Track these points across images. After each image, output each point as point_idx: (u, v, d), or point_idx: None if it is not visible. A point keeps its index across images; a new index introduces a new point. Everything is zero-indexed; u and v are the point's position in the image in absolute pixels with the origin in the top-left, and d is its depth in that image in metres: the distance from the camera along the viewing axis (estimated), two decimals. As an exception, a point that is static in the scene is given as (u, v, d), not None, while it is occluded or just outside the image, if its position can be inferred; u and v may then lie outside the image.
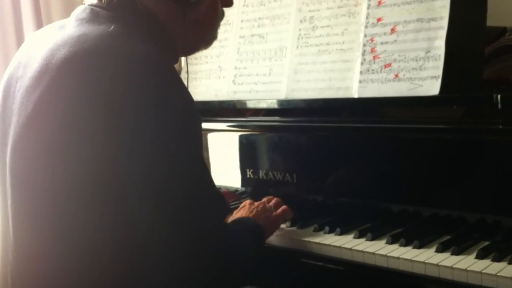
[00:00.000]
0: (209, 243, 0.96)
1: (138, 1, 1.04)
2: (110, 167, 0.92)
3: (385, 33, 1.35)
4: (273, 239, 1.30)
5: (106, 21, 1.00)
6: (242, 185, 1.56)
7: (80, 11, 1.05)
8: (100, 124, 0.91)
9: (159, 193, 0.93)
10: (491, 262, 1.06)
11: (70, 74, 0.94)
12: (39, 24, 2.00)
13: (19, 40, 2.04)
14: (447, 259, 1.09)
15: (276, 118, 1.51)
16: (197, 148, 0.99)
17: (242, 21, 1.64)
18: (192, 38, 1.14)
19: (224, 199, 1.07)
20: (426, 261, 1.09)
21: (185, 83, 1.09)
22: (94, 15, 1.02)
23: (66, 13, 2.02)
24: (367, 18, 1.39)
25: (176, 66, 1.74)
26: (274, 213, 1.30)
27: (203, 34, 1.17)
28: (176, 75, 1.00)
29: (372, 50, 1.36)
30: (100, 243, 0.94)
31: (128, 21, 1.02)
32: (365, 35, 1.38)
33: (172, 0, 1.07)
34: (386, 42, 1.34)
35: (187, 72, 1.53)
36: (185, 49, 1.17)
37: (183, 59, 1.48)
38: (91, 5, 1.04)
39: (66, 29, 1.02)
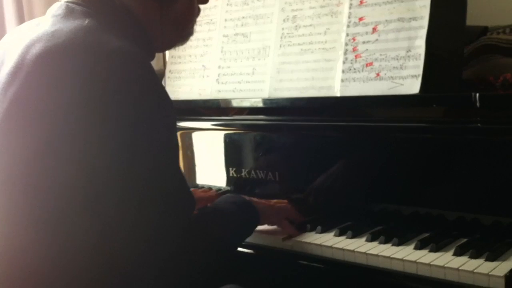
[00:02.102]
0: (185, 238, 0.97)
1: None
2: (84, 164, 0.92)
3: (366, 33, 1.36)
4: (254, 238, 1.30)
5: (81, 16, 1.01)
6: (224, 183, 1.56)
7: (56, 8, 1.05)
8: (73, 119, 0.91)
9: (130, 189, 0.93)
10: (469, 259, 1.07)
11: (44, 69, 0.94)
12: (21, 23, 1.99)
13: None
14: (425, 256, 1.10)
15: (259, 117, 1.52)
16: (170, 145, 0.99)
17: (225, 20, 1.64)
18: (169, 34, 1.14)
19: (193, 196, 1.06)
20: (404, 258, 1.10)
21: (165, 82, 1.09)
22: (69, 11, 1.02)
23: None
24: (349, 17, 1.39)
25: (160, 65, 1.76)
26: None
27: (180, 31, 1.17)
28: (151, 70, 0.99)
29: (354, 49, 1.37)
30: (73, 240, 0.94)
31: (104, 16, 1.02)
32: (347, 35, 1.39)
33: None
34: (367, 42, 1.35)
35: (169, 71, 1.53)
36: (162, 45, 1.17)
37: (159, 58, 1.48)
38: (67, 1, 1.05)
39: (41, 26, 1.02)
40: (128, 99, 0.92)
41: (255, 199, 1.28)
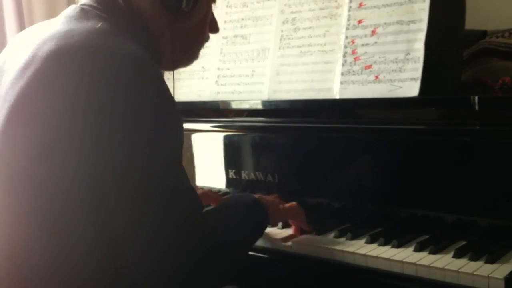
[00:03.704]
0: (183, 237, 0.96)
1: (134, 3, 1.07)
2: (88, 162, 0.93)
3: (365, 35, 1.36)
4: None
5: (95, 19, 1.02)
6: (224, 185, 1.56)
7: (70, 10, 1.07)
8: (79, 119, 0.92)
9: (133, 188, 0.94)
10: (468, 261, 1.07)
11: (54, 67, 0.95)
12: (21, 26, 2.00)
13: (2, 41, 2.03)
14: (424, 258, 1.10)
15: (259, 118, 1.52)
16: (172, 147, 1.00)
17: (225, 21, 1.64)
18: (178, 50, 1.15)
19: (197, 195, 1.06)
20: (404, 260, 1.10)
21: (171, 82, 1.10)
22: (83, 13, 1.04)
23: (49, 15, 2.02)
24: (348, 20, 1.40)
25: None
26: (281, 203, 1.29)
27: (188, 49, 1.19)
28: (159, 74, 1.00)
29: (353, 52, 1.38)
30: (76, 238, 0.95)
31: (117, 21, 1.04)
32: (346, 37, 1.39)
33: (166, 8, 1.09)
34: (366, 44, 1.36)
35: (168, 72, 1.53)
36: (170, 60, 1.18)
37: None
38: (83, 4, 1.06)
39: (54, 26, 1.03)
40: (130, 102, 0.93)
41: (264, 197, 1.26)
